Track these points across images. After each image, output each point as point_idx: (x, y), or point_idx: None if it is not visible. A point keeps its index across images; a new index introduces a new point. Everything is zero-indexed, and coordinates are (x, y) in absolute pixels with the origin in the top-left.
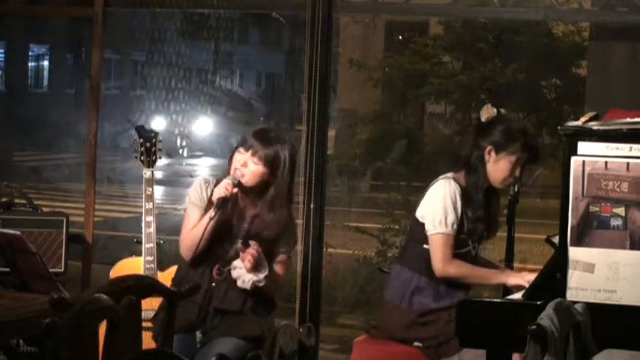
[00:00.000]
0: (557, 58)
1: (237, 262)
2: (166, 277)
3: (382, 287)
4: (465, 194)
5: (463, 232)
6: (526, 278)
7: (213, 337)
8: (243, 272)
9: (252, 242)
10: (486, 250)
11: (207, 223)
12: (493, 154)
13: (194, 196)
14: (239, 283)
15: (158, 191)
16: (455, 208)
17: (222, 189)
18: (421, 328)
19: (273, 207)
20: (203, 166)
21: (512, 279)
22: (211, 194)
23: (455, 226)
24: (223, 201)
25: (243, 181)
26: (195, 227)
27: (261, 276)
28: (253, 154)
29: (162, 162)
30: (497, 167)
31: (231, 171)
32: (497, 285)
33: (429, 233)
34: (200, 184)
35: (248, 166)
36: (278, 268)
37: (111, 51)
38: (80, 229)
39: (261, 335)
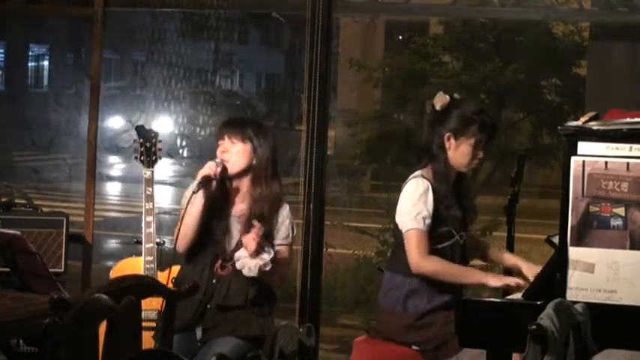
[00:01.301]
0: (557, 58)
1: (239, 253)
2: (166, 277)
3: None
4: (436, 186)
5: (445, 225)
6: (510, 280)
7: (213, 337)
8: (247, 260)
9: (254, 222)
10: (491, 248)
11: (192, 201)
12: (452, 140)
13: (184, 201)
14: (245, 272)
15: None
16: (425, 204)
17: (207, 168)
18: (418, 331)
19: (259, 183)
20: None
21: (494, 281)
22: None
23: (427, 222)
24: (207, 180)
25: (230, 166)
26: (185, 213)
27: (267, 258)
28: (229, 138)
29: (163, 162)
30: (459, 152)
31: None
32: (477, 285)
33: (403, 231)
34: (190, 190)
35: (229, 151)
36: (278, 264)
37: (111, 51)
38: (80, 229)
39: (261, 335)
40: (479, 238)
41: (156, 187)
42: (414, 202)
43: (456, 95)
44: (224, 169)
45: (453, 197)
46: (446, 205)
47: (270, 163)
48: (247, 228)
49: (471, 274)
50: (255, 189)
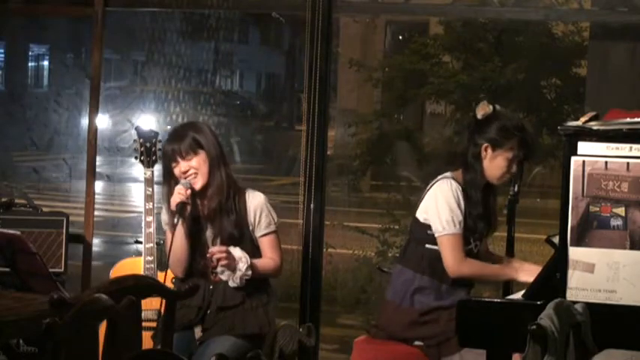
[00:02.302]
0: (557, 58)
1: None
2: (166, 277)
3: (382, 287)
4: (464, 192)
5: (465, 230)
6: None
7: (212, 336)
8: (226, 273)
9: (211, 249)
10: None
11: (175, 233)
12: (490, 151)
13: (164, 216)
14: (230, 283)
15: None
16: (459, 207)
17: (177, 195)
18: (422, 327)
19: (213, 180)
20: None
21: (524, 275)
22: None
23: (462, 225)
24: (182, 205)
25: (197, 185)
26: (172, 244)
27: (244, 267)
28: (182, 157)
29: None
30: (494, 164)
31: (180, 181)
32: (509, 280)
33: (437, 235)
34: (165, 216)
35: (189, 170)
36: (266, 254)
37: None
38: (80, 229)
39: (259, 333)
40: (492, 252)
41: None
42: (450, 204)
43: (497, 107)
44: (191, 187)
45: (480, 207)
46: (473, 214)
47: (221, 159)
48: (217, 229)
49: (503, 272)
50: (210, 188)
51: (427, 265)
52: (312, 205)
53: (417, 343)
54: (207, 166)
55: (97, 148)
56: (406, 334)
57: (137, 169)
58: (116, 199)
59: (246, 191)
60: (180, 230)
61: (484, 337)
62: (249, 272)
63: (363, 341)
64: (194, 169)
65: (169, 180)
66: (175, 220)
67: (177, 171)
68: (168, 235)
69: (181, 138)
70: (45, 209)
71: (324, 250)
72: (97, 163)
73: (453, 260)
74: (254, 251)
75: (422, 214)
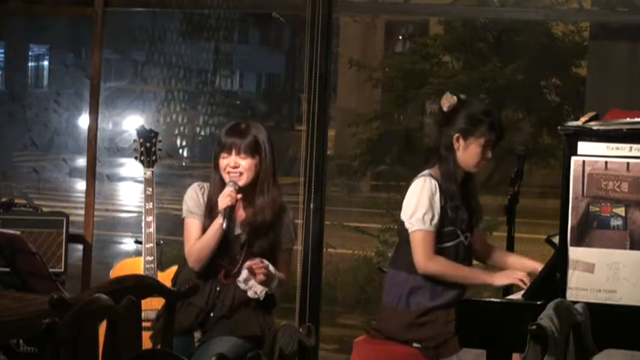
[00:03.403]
0: (557, 58)
1: (246, 274)
2: (166, 277)
3: (382, 287)
4: (443, 187)
5: (450, 225)
6: (515, 276)
7: (212, 336)
8: (253, 283)
9: (254, 262)
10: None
11: (218, 232)
12: (461, 140)
13: (191, 203)
14: (250, 294)
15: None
16: (432, 204)
17: (227, 198)
18: (420, 329)
19: (262, 191)
20: (202, 168)
21: (499, 279)
22: (208, 200)
23: (434, 222)
24: (230, 209)
25: (241, 182)
26: (202, 237)
27: (273, 286)
28: (237, 152)
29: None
30: (468, 153)
31: (225, 177)
32: (483, 285)
33: (409, 231)
34: (196, 191)
35: (240, 166)
36: (282, 270)
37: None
38: (80, 229)
39: (260, 335)
40: (486, 241)
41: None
42: (421, 202)
43: (462, 96)
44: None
45: (460, 197)
46: (452, 206)
47: (273, 170)
48: (252, 237)
49: (476, 275)
50: (258, 198)
51: None
52: (312, 205)
53: (415, 345)
54: (254, 172)
55: (97, 148)
56: (404, 337)
57: (137, 169)
58: (116, 199)
59: (285, 205)
60: (218, 230)
61: (484, 337)
62: (275, 289)
63: (363, 341)
64: (242, 169)
65: (215, 172)
66: (221, 220)
67: (223, 163)
68: (193, 224)
69: (244, 135)
70: (45, 209)
71: (324, 250)
72: (97, 163)
73: (420, 256)
74: (274, 255)
75: (402, 213)
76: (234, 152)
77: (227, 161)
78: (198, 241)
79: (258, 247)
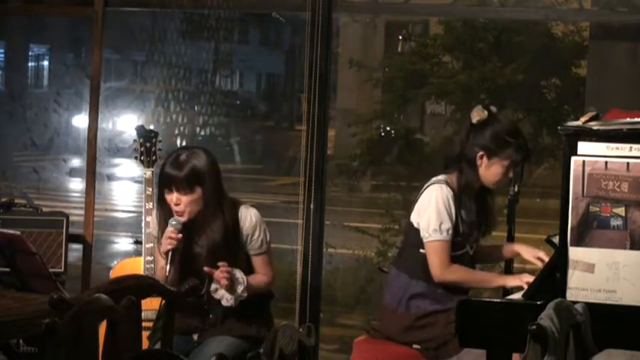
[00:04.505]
0: (557, 58)
1: (215, 285)
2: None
3: (382, 287)
4: (458, 196)
5: (459, 235)
6: (524, 280)
7: (210, 335)
8: (223, 292)
9: (220, 264)
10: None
11: (162, 274)
12: (485, 159)
13: (155, 231)
14: (224, 303)
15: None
16: (449, 214)
17: (168, 241)
18: (419, 331)
19: (207, 218)
20: None
21: (511, 281)
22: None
23: (450, 232)
24: (173, 251)
25: (184, 218)
26: (158, 270)
27: (240, 289)
28: (177, 189)
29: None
30: (490, 171)
31: (171, 213)
32: (497, 287)
33: (425, 240)
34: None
35: (182, 201)
36: (259, 271)
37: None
38: (80, 229)
39: (257, 335)
40: (481, 245)
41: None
42: (438, 212)
43: (492, 108)
44: (182, 224)
45: (474, 211)
46: (465, 218)
47: (219, 192)
48: (210, 258)
49: (489, 278)
50: (206, 224)
51: (422, 270)
52: (312, 205)
53: (415, 346)
54: (197, 204)
55: (97, 148)
56: (404, 338)
57: (137, 169)
58: (116, 199)
59: (240, 208)
60: (162, 272)
61: (484, 337)
62: (245, 294)
63: (363, 341)
64: (184, 205)
65: (162, 203)
66: (167, 264)
67: (168, 198)
68: (158, 251)
69: (182, 168)
70: (45, 209)
71: (324, 250)
72: (97, 163)
73: (437, 266)
74: (246, 267)
75: (415, 217)
76: (174, 188)
77: (170, 197)
78: (158, 270)
79: (219, 257)
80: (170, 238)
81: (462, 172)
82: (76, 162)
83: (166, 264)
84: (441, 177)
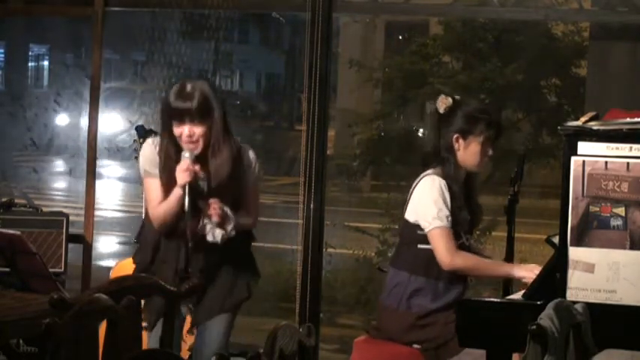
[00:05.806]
0: (557, 58)
1: (205, 220)
2: None
3: (382, 287)
4: (448, 187)
5: (454, 226)
6: (535, 271)
7: (204, 318)
8: (211, 228)
9: (211, 200)
10: (487, 250)
11: (179, 203)
12: (461, 140)
13: (148, 164)
14: (209, 238)
15: None
16: (445, 202)
17: (186, 173)
18: (420, 330)
19: (215, 151)
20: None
21: (519, 271)
22: (162, 160)
23: (450, 219)
24: (189, 184)
25: (198, 150)
26: (165, 202)
27: (229, 228)
28: (191, 120)
29: None
30: (469, 152)
31: (182, 145)
32: (505, 277)
33: (426, 230)
34: (151, 149)
35: (195, 134)
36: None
37: (111, 51)
38: (80, 229)
39: (248, 296)
40: (477, 246)
41: None
42: (435, 200)
43: (456, 97)
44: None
45: (462, 198)
46: (456, 206)
47: (224, 123)
48: (214, 193)
49: (498, 267)
50: (213, 158)
51: (421, 265)
52: (312, 205)
53: (415, 346)
54: (209, 135)
55: (97, 148)
56: (404, 338)
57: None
58: (116, 199)
59: (241, 148)
60: (180, 201)
61: (484, 337)
62: (234, 232)
63: (363, 341)
64: (197, 136)
65: (167, 135)
66: (181, 192)
67: (178, 131)
68: (152, 183)
69: (191, 98)
70: (45, 209)
71: (324, 250)
72: (97, 163)
73: (445, 253)
74: (236, 201)
75: (410, 214)
76: (187, 119)
77: (181, 130)
78: (160, 205)
79: (223, 200)
80: (187, 170)
81: (444, 163)
82: (76, 162)
83: (183, 195)
84: (428, 171)
